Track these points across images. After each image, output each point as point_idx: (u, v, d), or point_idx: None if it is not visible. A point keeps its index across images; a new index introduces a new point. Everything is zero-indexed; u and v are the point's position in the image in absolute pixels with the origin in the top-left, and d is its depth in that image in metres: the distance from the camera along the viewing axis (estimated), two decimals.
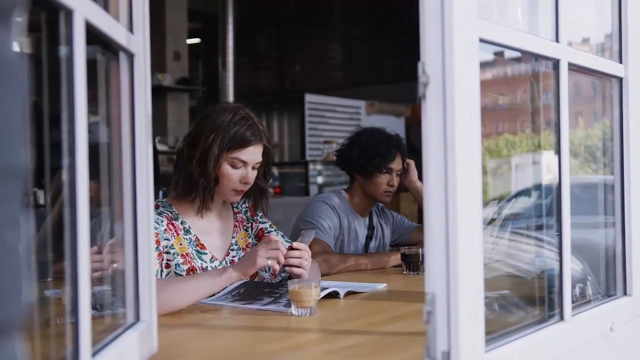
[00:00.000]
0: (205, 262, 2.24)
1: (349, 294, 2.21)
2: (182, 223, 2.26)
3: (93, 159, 1.10)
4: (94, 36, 1.14)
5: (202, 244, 2.27)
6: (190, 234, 2.25)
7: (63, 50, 1.04)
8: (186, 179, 2.23)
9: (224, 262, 2.30)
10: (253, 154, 2.25)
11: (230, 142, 2.20)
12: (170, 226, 2.21)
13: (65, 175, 1.03)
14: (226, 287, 2.11)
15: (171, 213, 2.25)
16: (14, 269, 0.56)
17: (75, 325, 1.02)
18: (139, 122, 1.39)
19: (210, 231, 2.32)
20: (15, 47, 0.58)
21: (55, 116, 1.05)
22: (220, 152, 2.19)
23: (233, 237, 2.38)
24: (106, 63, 1.34)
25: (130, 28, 1.37)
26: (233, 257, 2.34)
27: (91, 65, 1.10)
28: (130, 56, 1.37)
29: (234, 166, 2.23)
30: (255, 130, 2.25)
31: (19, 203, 0.58)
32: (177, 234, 2.22)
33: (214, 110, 2.27)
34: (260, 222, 2.48)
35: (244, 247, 2.39)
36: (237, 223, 2.42)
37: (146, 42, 1.42)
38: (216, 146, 2.18)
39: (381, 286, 2.38)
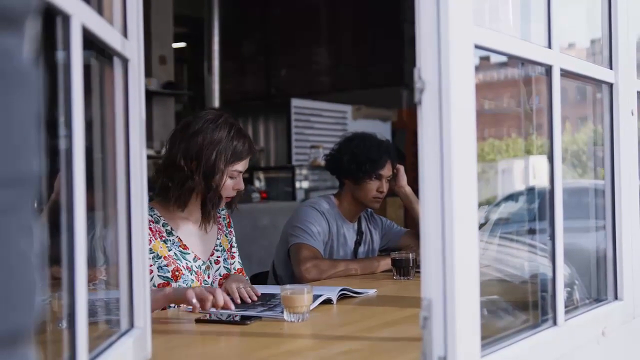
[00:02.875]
0: (189, 261, 2.32)
1: (342, 297, 2.21)
2: (163, 225, 2.32)
3: (86, 165, 1.09)
4: (89, 41, 1.13)
5: (185, 245, 2.34)
6: (173, 235, 2.32)
7: (59, 55, 1.03)
8: (188, 194, 2.29)
9: (207, 262, 2.39)
10: (247, 163, 2.38)
11: (233, 157, 2.30)
12: (149, 230, 2.24)
13: (62, 180, 1.02)
14: None
15: (152, 216, 2.29)
16: (28, 277, 0.56)
17: (72, 331, 1.01)
18: (133, 127, 1.38)
19: (194, 233, 2.39)
20: (28, 54, 0.58)
21: (50, 121, 1.05)
22: (225, 168, 2.30)
23: (217, 239, 2.47)
24: (100, 68, 1.34)
25: (125, 33, 1.36)
26: (218, 257, 2.44)
27: (85, 70, 1.09)
28: (125, 61, 1.36)
29: (231, 177, 2.34)
30: (250, 142, 2.38)
31: (31, 211, 0.57)
32: (156, 238, 2.27)
33: (205, 124, 2.30)
34: (233, 235, 2.58)
35: (227, 248, 2.50)
36: (220, 226, 2.51)
37: (140, 48, 1.41)
38: (222, 162, 2.28)
39: (371, 292, 2.38)
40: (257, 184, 7.49)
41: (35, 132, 0.58)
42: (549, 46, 1.55)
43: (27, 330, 0.56)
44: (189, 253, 2.33)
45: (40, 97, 0.59)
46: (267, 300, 2.15)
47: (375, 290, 2.40)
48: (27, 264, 0.56)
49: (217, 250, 2.44)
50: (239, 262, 2.56)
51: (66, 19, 1.01)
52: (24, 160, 0.56)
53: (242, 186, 2.38)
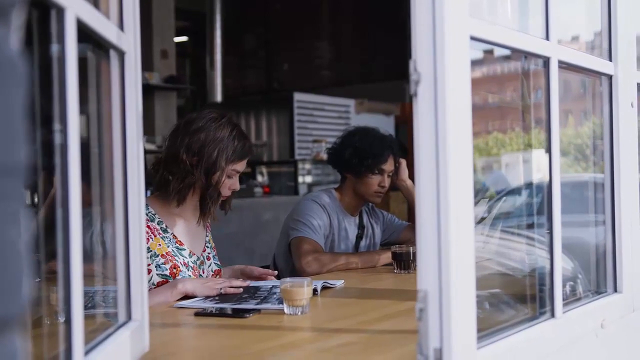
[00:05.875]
0: (185, 257, 2.36)
1: (324, 288, 2.26)
2: (158, 223, 2.35)
3: (83, 159, 1.09)
4: (84, 34, 1.13)
5: (180, 241, 2.37)
6: (168, 232, 2.35)
7: (54, 48, 1.03)
8: (187, 188, 2.33)
9: (201, 257, 2.44)
10: (245, 164, 2.42)
11: (233, 155, 2.34)
12: (147, 229, 2.27)
13: (57, 175, 1.02)
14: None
15: (147, 214, 2.31)
16: (16, 265, 0.56)
17: (68, 324, 1.02)
18: (129, 120, 1.38)
19: (187, 230, 2.43)
20: (14, 44, 0.58)
21: (45, 115, 1.05)
22: (226, 166, 2.33)
23: (207, 236, 2.52)
24: (96, 61, 1.34)
25: (121, 26, 1.36)
26: (208, 253, 2.50)
27: (81, 63, 1.09)
28: (121, 54, 1.36)
29: (229, 176, 2.37)
30: (250, 143, 2.43)
31: (20, 200, 0.58)
32: (155, 235, 2.31)
33: (208, 123, 2.34)
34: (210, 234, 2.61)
35: (213, 246, 2.55)
36: (208, 225, 2.55)
37: (137, 40, 1.41)
38: (223, 160, 2.32)
39: (339, 282, 2.41)
40: (259, 178, 7.49)
41: (22, 123, 0.58)
42: (547, 38, 1.55)
43: (15, 318, 0.56)
44: (184, 249, 2.37)
45: (27, 88, 0.59)
46: (253, 293, 2.16)
47: (343, 281, 2.43)
48: (14, 252, 0.56)
49: (207, 247, 2.50)
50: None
51: (60, 11, 1.01)
52: (12, 150, 0.56)
53: (237, 187, 2.43)
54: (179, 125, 2.39)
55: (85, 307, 1.13)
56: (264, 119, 8.49)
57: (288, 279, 1.98)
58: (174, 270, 2.29)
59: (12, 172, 0.56)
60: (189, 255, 2.38)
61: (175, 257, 2.32)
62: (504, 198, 2.43)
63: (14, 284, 0.56)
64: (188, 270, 2.33)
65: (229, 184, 2.38)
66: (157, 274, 2.26)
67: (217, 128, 2.33)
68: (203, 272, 2.42)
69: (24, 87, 0.58)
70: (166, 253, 2.30)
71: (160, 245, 2.30)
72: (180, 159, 2.30)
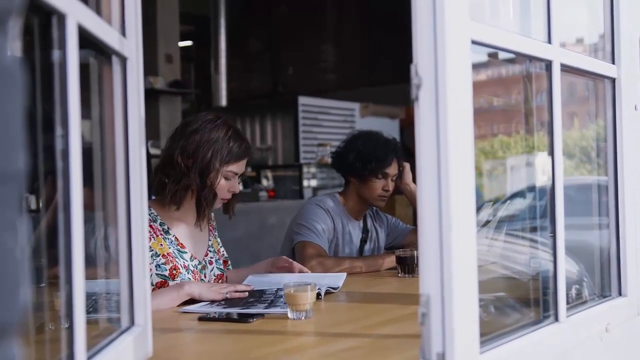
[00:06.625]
0: (186, 260, 2.36)
1: (327, 293, 2.25)
2: (160, 225, 2.35)
3: (86, 164, 1.09)
4: (86, 40, 1.14)
5: (182, 244, 2.37)
6: (170, 234, 2.35)
7: (56, 54, 1.04)
8: (183, 190, 2.32)
9: (203, 262, 2.43)
10: (243, 165, 2.41)
11: (228, 156, 2.33)
12: (149, 228, 2.27)
13: (59, 180, 1.03)
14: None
15: (149, 215, 2.31)
16: (13, 272, 0.56)
17: (70, 329, 1.02)
18: (132, 126, 1.38)
19: (189, 233, 2.42)
20: (12, 52, 0.58)
21: (47, 120, 1.05)
22: (221, 167, 2.32)
23: (209, 240, 2.51)
24: (99, 67, 1.34)
25: (123, 32, 1.37)
26: (211, 258, 2.48)
27: (83, 69, 1.10)
28: (123, 60, 1.36)
29: (226, 178, 2.36)
30: (247, 145, 2.41)
31: (17, 207, 0.58)
32: (157, 235, 2.32)
33: (203, 124, 2.35)
34: (218, 237, 2.60)
35: (217, 250, 2.54)
36: (211, 228, 2.55)
37: (139, 46, 1.41)
38: (217, 161, 2.31)
39: (342, 278, 2.42)
40: (264, 182, 7.49)
41: (21, 130, 0.58)
42: (549, 41, 1.54)
43: (11, 325, 0.56)
44: (186, 252, 2.37)
45: (27, 94, 0.60)
46: (259, 297, 2.16)
47: (345, 274, 2.45)
48: (11, 259, 0.56)
49: (210, 251, 2.49)
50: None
51: (62, 18, 1.02)
52: (10, 157, 0.56)
53: (237, 189, 2.41)
54: (176, 129, 2.40)
55: (88, 312, 1.13)
56: (269, 122, 8.49)
57: (291, 283, 1.98)
58: (174, 272, 2.28)
59: (10, 180, 0.56)
60: (190, 258, 2.37)
61: (176, 259, 2.31)
62: (509, 201, 2.43)
63: (11, 291, 0.56)
64: (188, 273, 2.33)
65: (228, 186, 2.37)
66: (156, 274, 2.26)
67: (212, 129, 2.33)
68: (205, 277, 2.41)
69: (22, 95, 0.58)
70: (167, 254, 2.30)
71: (161, 245, 2.30)
72: (176, 161, 2.30)
